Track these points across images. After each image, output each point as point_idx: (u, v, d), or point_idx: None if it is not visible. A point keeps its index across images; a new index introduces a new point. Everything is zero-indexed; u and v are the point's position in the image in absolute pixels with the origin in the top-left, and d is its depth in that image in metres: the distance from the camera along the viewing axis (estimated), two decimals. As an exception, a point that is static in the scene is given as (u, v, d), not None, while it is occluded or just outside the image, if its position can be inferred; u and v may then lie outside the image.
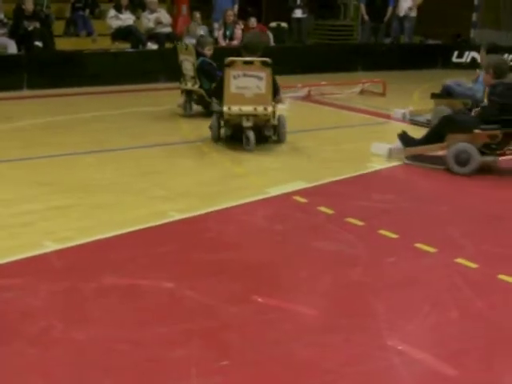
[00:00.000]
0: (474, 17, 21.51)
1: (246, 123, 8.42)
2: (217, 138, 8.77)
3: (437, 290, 4.82)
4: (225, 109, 8.43)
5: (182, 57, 10.79)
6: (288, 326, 4.21)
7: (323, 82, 13.27)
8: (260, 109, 8.41)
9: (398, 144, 8.21)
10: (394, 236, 5.73)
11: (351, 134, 8.95)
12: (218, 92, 8.76)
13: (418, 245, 5.54)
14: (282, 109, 9.64)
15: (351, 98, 12.78)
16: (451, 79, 10.28)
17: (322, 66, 15.81)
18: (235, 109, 8.41)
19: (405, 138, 8.16)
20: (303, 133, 9.70)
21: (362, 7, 18.05)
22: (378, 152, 8.37)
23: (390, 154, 8.22)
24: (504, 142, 7.68)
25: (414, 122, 10.46)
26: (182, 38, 14.49)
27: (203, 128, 9.27)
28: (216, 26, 16.26)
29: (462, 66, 17.80)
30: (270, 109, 8.48)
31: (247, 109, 8.39)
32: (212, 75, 10.25)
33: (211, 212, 6.18)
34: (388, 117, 10.98)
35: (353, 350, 3.98)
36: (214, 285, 4.72)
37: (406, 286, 4.89)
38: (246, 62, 8.49)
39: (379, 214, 6.31)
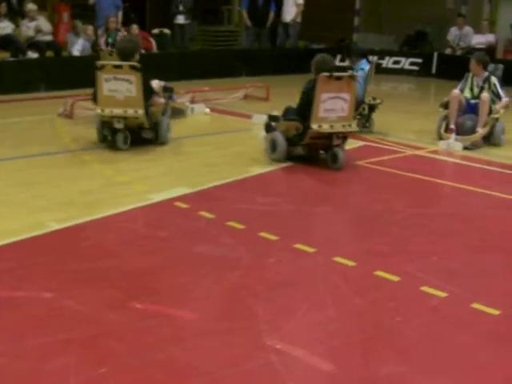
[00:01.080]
0: (356, 21, 22.06)
1: (118, 125, 8.73)
2: (101, 139, 9.07)
3: (316, 289, 4.92)
4: (98, 111, 8.76)
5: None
6: (168, 330, 4.22)
7: (206, 88, 13.31)
8: (130, 111, 8.69)
9: None
10: (274, 238, 5.81)
11: (234, 139, 9.02)
12: (95, 95, 9.09)
13: (298, 245, 5.64)
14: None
15: (235, 103, 12.88)
16: None
17: (207, 72, 15.89)
18: (107, 111, 8.71)
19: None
20: (187, 138, 9.74)
21: (245, 13, 18.22)
22: (259, 121, 9.64)
23: None
24: (305, 135, 8.24)
25: None
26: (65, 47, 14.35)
27: (84, 137, 9.17)
28: (99, 32, 16.08)
29: (342, 69, 18.17)
30: (140, 111, 8.73)
31: (118, 111, 8.68)
32: None
33: (91, 221, 6.11)
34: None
35: (232, 351, 4.02)
36: (93, 293, 4.68)
37: (286, 286, 4.97)
38: (116, 66, 8.77)
39: (260, 217, 6.39)
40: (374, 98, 10.77)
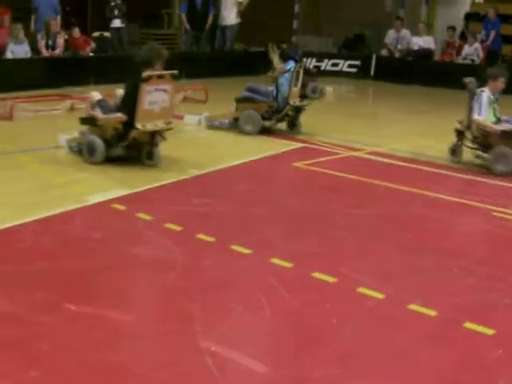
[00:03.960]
0: (295, 24, 22.19)
1: (158, 139, 8.27)
2: (102, 159, 8.22)
3: (251, 291, 4.92)
4: (139, 126, 7.98)
5: None
6: (102, 332, 4.18)
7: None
8: (171, 123, 8.31)
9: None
10: (210, 239, 5.80)
11: (172, 141, 8.92)
12: (128, 107, 8.12)
13: (234, 247, 5.64)
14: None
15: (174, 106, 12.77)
16: (251, 83, 11.09)
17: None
18: (150, 125, 8.11)
19: None
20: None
21: (183, 16, 18.18)
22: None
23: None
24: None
25: (211, 127, 10.96)
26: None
27: (23, 138, 9.03)
28: (39, 36, 15.86)
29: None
30: (173, 122, 8.42)
31: (160, 124, 8.20)
32: None
33: (26, 223, 6.02)
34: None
35: (166, 353, 3.99)
36: (26, 295, 4.60)
37: (222, 287, 4.96)
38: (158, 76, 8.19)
39: (197, 219, 6.37)
40: (303, 100, 10.88)
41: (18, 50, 14.72)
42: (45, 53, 15.38)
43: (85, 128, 8.50)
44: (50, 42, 15.39)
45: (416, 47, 19.24)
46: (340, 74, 19.80)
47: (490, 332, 4.49)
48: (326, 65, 19.99)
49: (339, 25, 22.01)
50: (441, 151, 9.74)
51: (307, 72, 13.32)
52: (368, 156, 9.52)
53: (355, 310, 4.75)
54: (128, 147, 8.22)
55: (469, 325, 4.56)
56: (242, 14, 18.38)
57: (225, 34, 18.45)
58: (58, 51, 15.42)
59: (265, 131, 10.55)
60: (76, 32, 16.27)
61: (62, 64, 15.20)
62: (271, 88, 10.78)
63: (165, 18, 22.72)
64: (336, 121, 12.36)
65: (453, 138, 9.34)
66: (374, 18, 21.77)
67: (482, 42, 19.29)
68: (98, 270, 5.14)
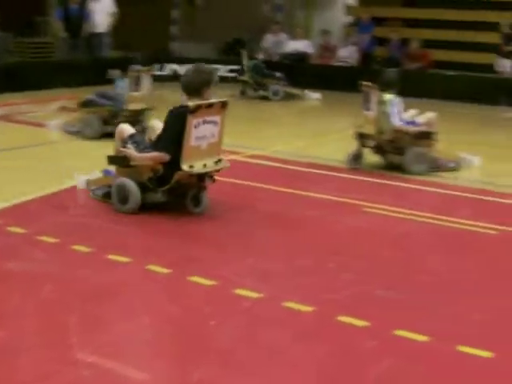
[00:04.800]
0: (173, 30, 22.17)
1: (208, 181, 6.99)
2: (137, 207, 6.83)
3: (129, 299, 4.90)
4: (185, 168, 6.62)
5: None
6: (-27, 350, 4.07)
7: (21, 100, 12.96)
8: (221, 162, 7.05)
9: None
10: (87, 250, 5.72)
11: (50, 152, 8.79)
12: (171, 143, 6.70)
13: (111, 256, 5.58)
14: None
15: (50, 116, 12.57)
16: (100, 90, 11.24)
17: (24, 85, 15.46)
18: (199, 165, 6.75)
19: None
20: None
21: (59, 24, 17.83)
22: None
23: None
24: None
25: (68, 132, 10.92)
26: None
27: None
28: None
29: (163, 78, 18.29)
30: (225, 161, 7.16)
31: (210, 164, 6.90)
32: None
33: None
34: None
35: (41, 367, 3.92)
36: None
37: (99, 298, 4.89)
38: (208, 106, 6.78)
39: (73, 230, 6.27)
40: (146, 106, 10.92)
41: None
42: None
43: (112, 168, 7.24)
44: None
45: (293, 51, 19.54)
46: (221, 79, 19.85)
47: (363, 324, 4.61)
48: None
49: (218, 30, 22.10)
50: (321, 152, 9.92)
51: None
52: (249, 159, 9.60)
53: (232, 311, 4.78)
54: (169, 192, 6.88)
55: (343, 318, 4.67)
56: (116, 20, 18.16)
57: (100, 41, 18.20)
58: None
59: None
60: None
61: None
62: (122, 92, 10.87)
63: (41, 25, 22.25)
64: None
65: (330, 139, 9.53)
66: (253, 22, 21.96)
67: (357, 44, 19.78)
68: (-31, 287, 5.00)
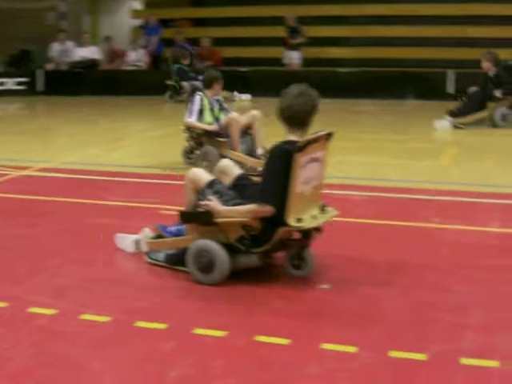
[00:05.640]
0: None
1: (315, 234, 5.44)
2: (225, 277, 5.30)
3: None
4: (293, 223, 5.12)
5: None
6: None
7: None
8: (330, 211, 5.58)
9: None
10: None
11: None
12: (274, 193, 5.15)
13: None
14: None
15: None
16: None
17: None
18: (308, 220, 5.26)
19: None
20: None
21: None
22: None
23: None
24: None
25: None
26: None
27: None
28: None
29: None
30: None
31: (320, 216, 5.43)
32: None
33: None
34: None
35: None
36: None
37: None
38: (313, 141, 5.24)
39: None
40: None
41: None
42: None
43: (183, 227, 5.65)
44: None
45: (81, 58, 19.28)
46: (8, 92, 19.27)
47: (162, 326, 4.61)
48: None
49: (3, 42, 21.43)
50: (109, 158, 9.83)
51: None
52: (38, 173, 9.35)
53: (27, 330, 4.61)
54: (265, 254, 5.43)
55: (141, 323, 4.65)
56: None
57: None
58: None
59: None
60: None
61: None
62: None
63: None
64: (4, 141, 11.99)
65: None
66: (38, 32, 21.46)
67: (146, 47, 19.82)
68: None
